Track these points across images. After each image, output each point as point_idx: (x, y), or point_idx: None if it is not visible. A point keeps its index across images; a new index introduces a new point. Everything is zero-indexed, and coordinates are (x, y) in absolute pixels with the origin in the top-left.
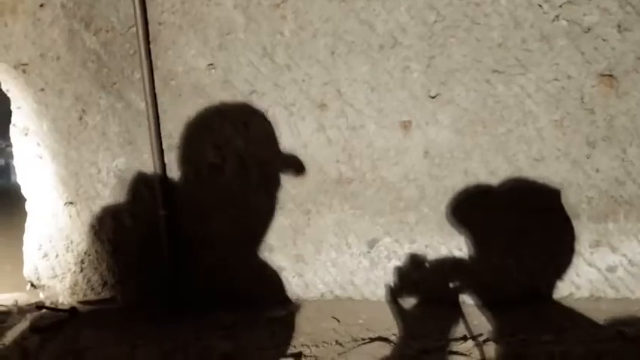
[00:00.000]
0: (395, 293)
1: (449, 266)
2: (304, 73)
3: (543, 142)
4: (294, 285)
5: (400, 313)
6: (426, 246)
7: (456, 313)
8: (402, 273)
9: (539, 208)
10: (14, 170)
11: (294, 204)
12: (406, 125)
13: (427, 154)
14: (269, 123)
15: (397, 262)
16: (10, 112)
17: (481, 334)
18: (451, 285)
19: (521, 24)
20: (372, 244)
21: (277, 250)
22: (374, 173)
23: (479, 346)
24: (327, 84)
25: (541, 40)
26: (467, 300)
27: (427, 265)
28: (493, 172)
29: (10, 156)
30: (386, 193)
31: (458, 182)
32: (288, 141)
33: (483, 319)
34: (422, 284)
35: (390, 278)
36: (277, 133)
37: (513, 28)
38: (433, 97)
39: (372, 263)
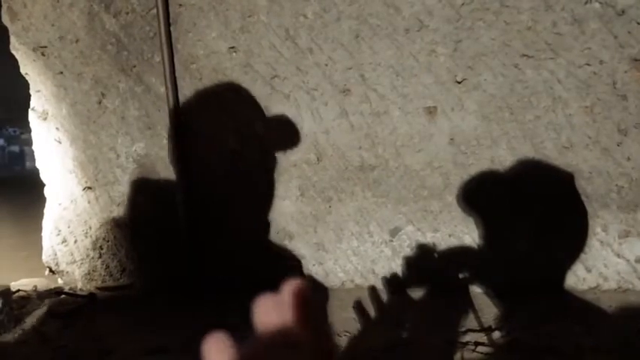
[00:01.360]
0: (403, 283)
1: (463, 254)
2: (327, 57)
3: (573, 130)
4: (314, 273)
5: (410, 303)
6: (450, 235)
7: (473, 303)
8: (410, 262)
9: (567, 196)
10: (28, 157)
11: (315, 191)
12: (431, 111)
13: (452, 141)
14: (290, 108)
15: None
16: (25, 101)
17: (507, 325)
18: (463, 275)
19: (552, 6)
20: (394, 232)
21: (297, 237)
22: (397, 160)
23: (505, 336)
24: (351, 68)
25: (572, 24)
26: (489, 290)
27: (436, 254)
28: (520, 159)
29: (25, 143)
30: (409, 180)
31: (484, 170)
32: (309, 126)
33: (507, 309)
34: (432, 273)
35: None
36: (299, 119)
37: (544, 10)
38: (459, 82)
39: (394, 252)
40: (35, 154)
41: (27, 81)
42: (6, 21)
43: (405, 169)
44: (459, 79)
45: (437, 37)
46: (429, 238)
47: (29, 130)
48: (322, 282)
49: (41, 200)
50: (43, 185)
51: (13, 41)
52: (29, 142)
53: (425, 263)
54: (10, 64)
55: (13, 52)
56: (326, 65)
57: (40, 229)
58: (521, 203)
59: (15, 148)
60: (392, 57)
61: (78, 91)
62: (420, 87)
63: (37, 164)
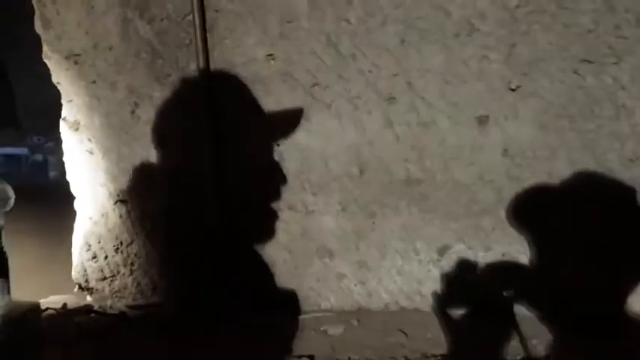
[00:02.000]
0: (442, 302)
1: (517, 276)
2: (371, 63)
3: (638, 140)
4: (355, 294)
5: (450, 325)
6: (503, 254)
7: (516, 328)
8: (450, 279)
9: (632, 213)
10: (52, 167)
11: (358, 206)
12: (483, 120)
13: (506, 152)
14: (332, 118)
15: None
16: (49, 108)
17: (560, 356)
18: (515, 298)
19: (615, 8)
20: (442, 251)
21: (338, 255)
22: (446, 174)
23: None
24: (397, 75)
25: (637, 26)
26: (543, 315)
27: (479, 270)
28: (580, 172)
29: (49, 152)
30: (459, 195)
31: (540, 184)
32: (352, 137)
33: (562, 338)
34: (483, 295)
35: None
36: (340, 129)
37: (606, 12)
38: (514, 90)
39: (442, 272)
40: (65, 165)
41: (51, 88)
42: (39, 28)
43: (454, 183)
44: (513, 87)
45: (489, 41)
46: (480, 257)
47: (53, 139)
48: (364, 303)
49: (67, 213)
50: (67, 196)
51: (46, 49)
52: (53, 151)
53: (475, 285)
54: (33, 71)
55: (46, 60)
56: (370, 72)
57: (66, 243)
58: (581, 220)
59: (38, 157)
60: (441, 63)
61: (111, 101)
62: (471, 95)
63: (67, 176)
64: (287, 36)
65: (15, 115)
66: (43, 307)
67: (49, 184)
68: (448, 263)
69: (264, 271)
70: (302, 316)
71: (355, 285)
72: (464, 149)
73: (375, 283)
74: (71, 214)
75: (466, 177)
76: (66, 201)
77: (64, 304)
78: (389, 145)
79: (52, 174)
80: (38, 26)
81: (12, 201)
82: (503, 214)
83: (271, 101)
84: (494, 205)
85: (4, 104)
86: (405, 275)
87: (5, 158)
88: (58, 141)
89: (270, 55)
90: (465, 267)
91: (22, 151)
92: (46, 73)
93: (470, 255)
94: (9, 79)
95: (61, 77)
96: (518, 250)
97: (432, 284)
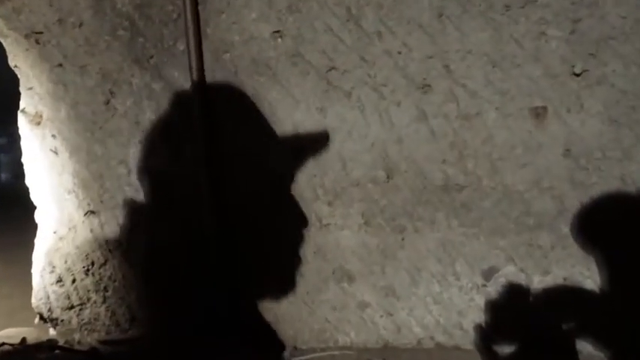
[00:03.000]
0: (488, 337)
1: (583, 305)
2: (401, 42)
3: None
4: (381, 327)
5: None
6: (565, 278)
7: None
8: (498, 309)
9: None
10: (4, 167)
11: (384, 218)
12: (539, 113)
13: (568, 152)
14: (353, 109)
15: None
16: (3, 99)
17: None
18: (568, 327)
19: None
20: (488, 274)
21: (360, 279)
22: (493, 178)
23: None
24: (432, 57)
25: None
26: (597, 352)
27: (534, 298)
28: None
29: (0, 149)
30: (509, 205)
31: (611, 191)
32: (377, 133)
33: None
34: (539, 329)
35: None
36: (363, 123)
37: None
38: (578, 75)
39: (488, 301)
40: (22, 166)
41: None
42: None
43: (503, 189)
44: (577, 71)
45: (547, 14)
46: (536, 282)
47: (6, 134)
48: (392, 339)
49: (24, 225)
50: (24, 205)
51: (1, 26)
52: (5, 149)
53: (529, 316)
54: None
55: (1, 39)
56: (399, 54)
57: (23, 263)
58: None
59: None
60: (487, 42)
61: (81, 89)
62: (525, 81)
63: (26, 180)
64: (297, 9)
65: None
66: None
67: (1, 188)
68: (495, 289)
69: (270, 298)
70: (315, 355)
71: (381, 316)
72: (516, 148)
73: (406, 314)
74: (30, 228)
75: (519, 183)
76: (22, 210)
77: (23, 339)
78: (422, 142)
79: (3, 176)
80: None
81: None
82: (564, 228)
83: (277, 89)
84: (554, 218)
85: None
86: (442, 304)
87: None
88: (12, 137)
89: (277, 32)
90: (516, 294)
91: None
92: None
93: (522, 279)
94: None
95: (19, 60)
96: (583, 274)
97: (476, 315)
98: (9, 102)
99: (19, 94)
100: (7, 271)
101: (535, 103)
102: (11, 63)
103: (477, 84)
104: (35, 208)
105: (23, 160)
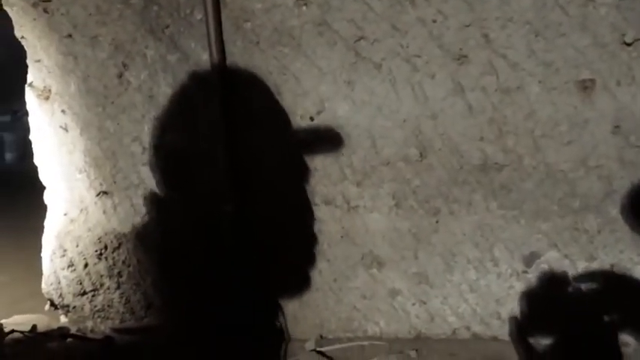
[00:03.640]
0: (526, 328)
1: (633, 294)
2: (435, 10)
3: None
4: (413, 316)
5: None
6: (612, 265)
7: None
8: (538, 298)
9: None
10: (8, 146)
11: (416, 200)
12: (587, 86)
13: (618, 129)
14: (383, 82)
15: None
16: (5, 69)
17: None
18: (613, 318)
19: None
20: (530, 260)
21: (390, 265)
22: (535, 157)
23: None
24: (469, 26)
25: None
26: (636, 344)
27: (578, 286)
28: None
29: (4, 128)
30: (553, 186)
31: None
32: (409, 108)
33: None
34: (571, 315)
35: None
36: (394, 97)
37: None
38: (629, 45)
39: (529, 288)
40: (30, 144)
41: (11, 44)
42: None
43: (546, 169)
44: (628, 40)
45: None
46: (581, 268)
47: (9, 110)
48: (425, 329)
49: (33, 207)
50: (32, 185)
51: None
52: (9, 127)
53: (572, 305)
54: None
55: (6, 8)
56: (433, 22)
57: (33, 246)
58: None
59: None
60: (529, 9)
61: (92, 61)
62: (571, 51)
63: (35, 159)
64: None
65: None
66: (6, 330)
67: (5, 169)
68: (537, 276)
69: (291, 286)
70: (342, 345)
71: (413, 304)
72: (560, 124)
73: (439, 302)
74: (39, 209)
75: (563, 162)
76: (30, 191)
77: (34, 326)
78: (459, 118)
79: (8, 156)
80: None
81: None
82: (613, 211)
83: (302, 60)
84: (602, 200)
85: None
86: (479, 292)
87: None
88: (17, 113)
89: None
90: (559, 282)
91: None
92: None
93: (566, 266)
94: None
95: (26, 30)
96: (633, 260)
97: (515, 304)
98: (12, 75)
99: (23, 66)
100: (12, 256)
101: (582, 75)
102: (17, 34)
103: (518, 55)
104: (44, 189)
105: (31, 137)
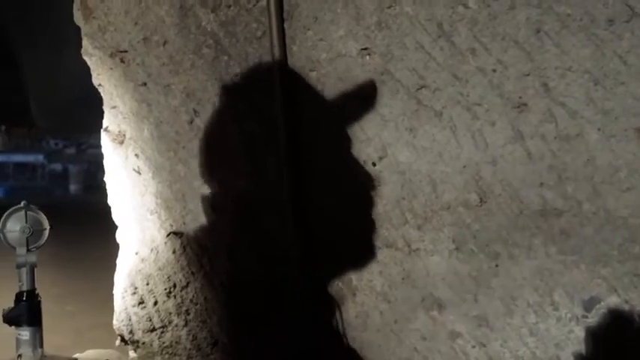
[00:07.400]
0: None
1: None
2: (495, 59)
3: None
4: (473, 358)
5: None
6: None
7: None
8: (599, 342)
9: None
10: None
11: (477, 244)
12: None
13: None
14: (444, 129)
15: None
16: (70, 106)
17: None
18: None
19: None
20: (590, 304)
21: (450, 307)
22: (595, 203)
23: None
24: (529, 75)
25: None
26: None
27: (636, 330)
28: None
29: (69, 160)
30: (613, 231)
31: None
32: (470, 154)
33: None
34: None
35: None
36: (455, 144)
37: None
38: None
39: (589, 333)
40: (107, 185)
41: (71, 81)
42: (79, 19)
43: (606, 215)
44: None
45: None
46: None
47: (75, 143)
48: None
49: (100, 238)
50: (96, 217)
51: (86, 45)
52: (74, 159)
53: (633, 350)
54: (51, 60)
55: (86, 58)
56: (494, 71)
57: (90, 278)
58: None
59: (57, 167)
60: (588, 58)
61: (165, 108)
62: (630, 99)
63: (110, 200)
64: (387, 25)
65: (28, 112)
66: None
67: (70, 200)
68: (597, 321)
69: (355, 326)
70: None
71: (473, 347)
72: (620, 171)
73: (499, 345)
74: (103, 241)
75: (622, 207)
76: (95, 223)
77: None
78: (518, 164)
79: (72, 187)
80: (78, 17)
81: (47, 233)
82: None
83: (365, 108)
84: None
85: (15, 98)
86: (538, 336)
87: (18, 167)
88: (81, 145)
89: (365, 49)
90: (619, 326)
91: (37, 158)
92: (66, 63)
93: (626, 311)
94: (23, 70)
95: (103, 79)
96: None
97: (576, 348)
98: (74, 111)
99: (85, 102)
100: (78, 287)
101: None
102: (95, 82)
103: (577, 103)
104: (108, 220)
105: (105, 179)
